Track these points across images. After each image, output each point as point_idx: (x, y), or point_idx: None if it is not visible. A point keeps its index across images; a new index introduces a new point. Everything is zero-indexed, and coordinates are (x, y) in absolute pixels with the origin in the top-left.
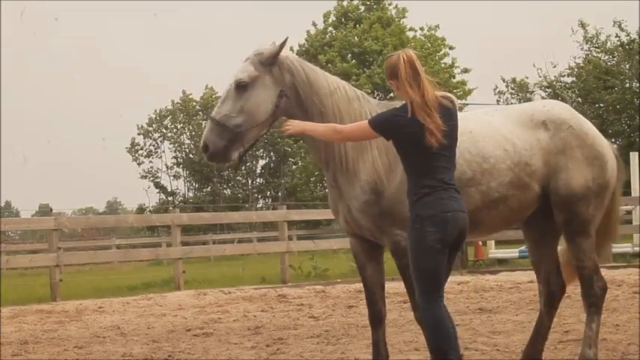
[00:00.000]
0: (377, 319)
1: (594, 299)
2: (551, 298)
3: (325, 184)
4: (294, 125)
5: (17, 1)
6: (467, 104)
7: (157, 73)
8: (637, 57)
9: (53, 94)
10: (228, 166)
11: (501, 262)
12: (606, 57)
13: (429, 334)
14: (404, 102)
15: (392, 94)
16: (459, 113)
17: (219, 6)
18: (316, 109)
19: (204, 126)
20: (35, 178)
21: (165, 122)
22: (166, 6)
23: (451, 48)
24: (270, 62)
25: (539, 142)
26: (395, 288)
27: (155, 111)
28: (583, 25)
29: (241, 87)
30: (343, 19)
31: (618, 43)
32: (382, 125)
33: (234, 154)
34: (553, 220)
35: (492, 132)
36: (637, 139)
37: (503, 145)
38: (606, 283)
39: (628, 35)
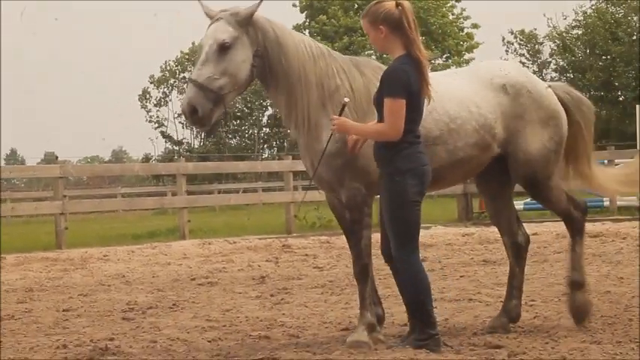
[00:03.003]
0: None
1: (576, 225)
2: (517, 249)
3: None
4: (339, 125)
5: (17, 1)
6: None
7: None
8: None
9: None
10: (205, 131)
11: None
12: (614, 9)
13: (408, 286)
14: (400, 55)
15: None
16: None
17: None
18: (282, 70)
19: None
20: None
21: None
22: None
23: (458, 0)
24: (246, 22)
25: (501, 105)
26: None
27: (165, 62)
28: None
29: (224, 48)
30: None
31: None
32: (406, 89)
33: (216, 118)
34: (506, 173)
35: (457, 93)
36: None
37: (468, 107)
38: (584, 206)
39: None
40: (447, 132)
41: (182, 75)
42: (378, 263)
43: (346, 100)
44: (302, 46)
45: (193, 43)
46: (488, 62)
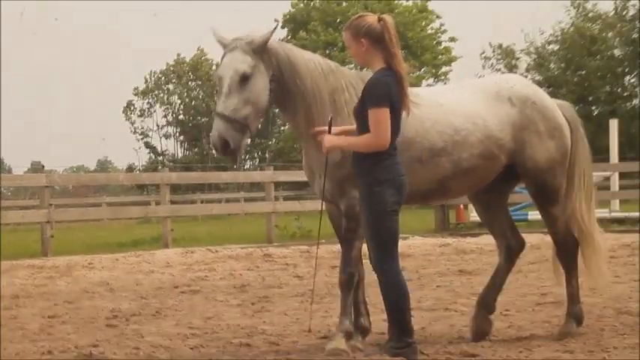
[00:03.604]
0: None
1: (569, 258)
2: (509, 252)
3: None
4: (327, 141)
5: (18, 1)
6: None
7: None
8: (619, 25)
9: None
10: (235, 160)
11: (482, 225)
12: (591, 25)
13: (389, 294)
14: (381, 68)
15: None
16: (425, 88)
17: None
18: (297, 90)
19: (214, 114)
20: (27, 136)
21: (159, 83)
22: None
23: (438, 17)
24: (261, 49)
25: (508, 117)
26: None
27: (150, 72)
28: None
29: (245, 78)
30: None
31: (613, 8)
32: (389, 99)
33: (244, 146)
34: (501, 183)
35: (462, 106)
36: (617, 107)
37: (473, 119)
38: (576, 240)
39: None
40: (451, 144)
41: (166, 87)
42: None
43: (331, 116)
44: (312, 65)
45: (179, 55)
46: (495, 76)
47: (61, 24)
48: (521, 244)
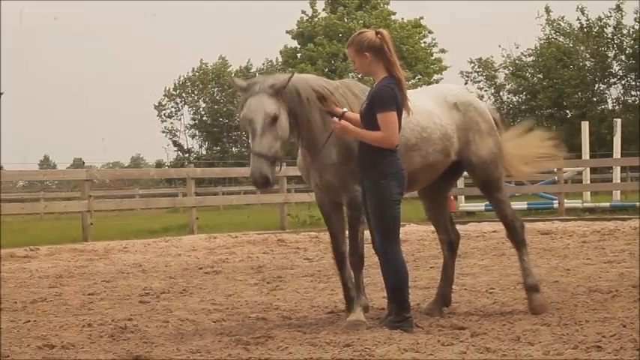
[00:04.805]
0: (342, 261)
1: (519, 237)
2: (451, 245)
3: None
4: (342, 126)
5: (18, 1)
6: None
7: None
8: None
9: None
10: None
11: (470, 214)
12: (565, 39)
13: (391, 275)
14: (384, 77)
15: None
16: None
17: None
18: (304, 120)
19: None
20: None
21: (187, 88)
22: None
23: (430, 32)
24: (281, 91)
25: (454, 119)
26: None
27: (178, 77)
28: (547, 11)
29: (274, 119)
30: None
31: (579, 25)
32: (395, 102)
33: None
34: (445, 180)
35: (424, 108)
36: (588, 111)
37: (433, 119)
38: (523, 222)
39: (588, 20)
40: (420, 140)
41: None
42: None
43: (345, 109)
44: (311, 94)
45: (201, 60)
46: (439, 85)
47: (97, 29)
48: (458, 237)
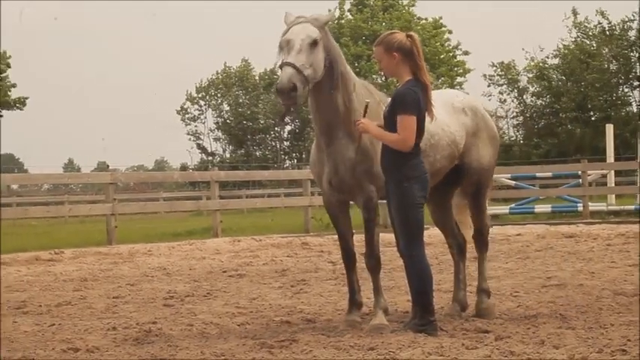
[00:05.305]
0: (350, 261)
1: (484, 242)
2: (460, 248)
3: None
4: (365, 125)
5: (18, 1)
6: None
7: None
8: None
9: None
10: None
11: (494, 217)
12: (589, 42)
13: (415, 278)
14: (409, 79)
15: None
16: None
17: None
18: (344, 73)
19: (277, 73)
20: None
21: (210, 91)
22: None
23: (450, 32)
24: (323, 28)
25: (464, 125)
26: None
27: (200, 80)
28: (574, 13)
29: (314, 44)
30: (357, 7)
31: (601, 29)
32: (418, 107)
33: (301, 100)
34: (451, 185)
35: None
36: (612, 113)
37: (441, 126)
38: (488, 227)
39: (610, 23)
40: (429, 146)
41: (216, 93)
42: (396, 261)
43: (367, 101)
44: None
45: (225, 63)
46: (442, 90)
47: (97, 29)
48: (465, 241)
